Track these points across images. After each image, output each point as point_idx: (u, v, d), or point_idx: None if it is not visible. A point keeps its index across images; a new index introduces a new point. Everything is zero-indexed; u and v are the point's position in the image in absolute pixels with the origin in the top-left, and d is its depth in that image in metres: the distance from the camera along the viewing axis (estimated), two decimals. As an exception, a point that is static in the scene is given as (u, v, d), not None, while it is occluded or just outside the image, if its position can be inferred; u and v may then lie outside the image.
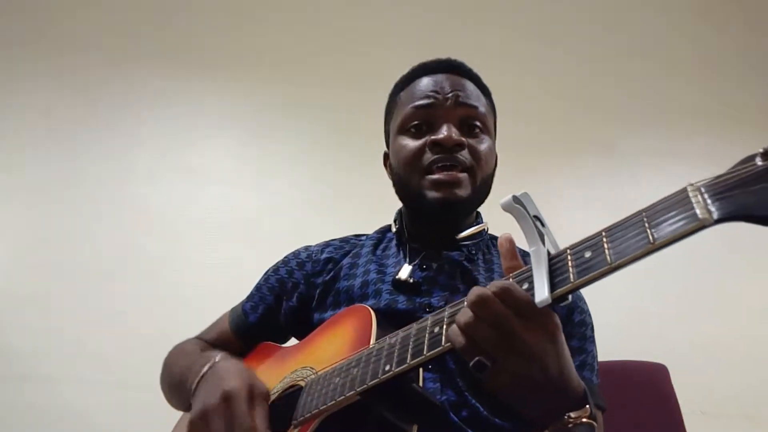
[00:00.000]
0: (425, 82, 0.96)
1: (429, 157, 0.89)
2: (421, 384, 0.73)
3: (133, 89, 2.34)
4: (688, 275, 2.30)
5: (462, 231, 0.94)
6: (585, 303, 0.93)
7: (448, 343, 0.59)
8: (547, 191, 2.29)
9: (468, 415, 0.78)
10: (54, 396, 1.89)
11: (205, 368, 0.79)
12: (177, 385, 0.90)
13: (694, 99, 2.55)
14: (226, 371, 0.75)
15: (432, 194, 0.88)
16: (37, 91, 2.28)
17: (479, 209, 1.01)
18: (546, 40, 2.63)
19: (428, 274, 0.90)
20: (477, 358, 0.54)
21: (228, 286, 1.95)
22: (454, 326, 0.57)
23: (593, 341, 0.88)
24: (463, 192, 0.88)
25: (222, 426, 0.68)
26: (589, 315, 0.91)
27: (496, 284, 0.55)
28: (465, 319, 0.56)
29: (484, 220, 1.00)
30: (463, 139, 0.89)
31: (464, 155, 0.89)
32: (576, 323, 0.87)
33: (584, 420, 0.57)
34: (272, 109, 2.38)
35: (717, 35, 2.72)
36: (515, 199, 0.57)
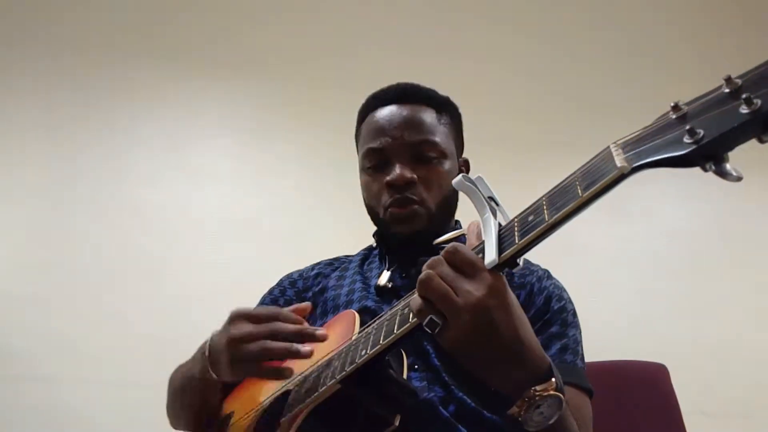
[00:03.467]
0: (377, 118, 1.01)
1: (386, 197, 0.97)
2: (405, 378, 0.75)
3: (132, 89, 2.34)
4: (688, 275, 2.30)
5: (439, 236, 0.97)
6: (566, 293, 0.95)
7: (415, 318, 0.62)
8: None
9: (456, 410, 0.81)
10: (54, 396, 1.89)
11: (207, 340, 0.82)
12: (181, 388, 0.91)
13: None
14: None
15: (394, 229, 0.97)
16: (37, 90, 2.28)
17: (459, 218, 1.06)
18: (545, 39, 2.63)
19: (407, 281, 0.95)
20: (429, 316, 0.58)
21: (228, 285, 1.96)
22: (415, 295, 0.60)
23: (575, 326, 0.90)
24: (419, 225, 0.95)
25: (247, 327, 0.73)
26: (570, 302, 0.93)
27: (447, 246, 0.60)
28: (422, 276, 0.59)
29: (463, 226, 1.04)
30: (413, 176, 0.95)
31: (415, 192, 0.96)
32: (555, 310, 0.89)
33: (551, 392, 0.58)
34: (272, 109, 2.38)
35: (717, 34, 2.72)
36: (465, 177, 0.63)
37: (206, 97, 2.37)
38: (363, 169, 1.03)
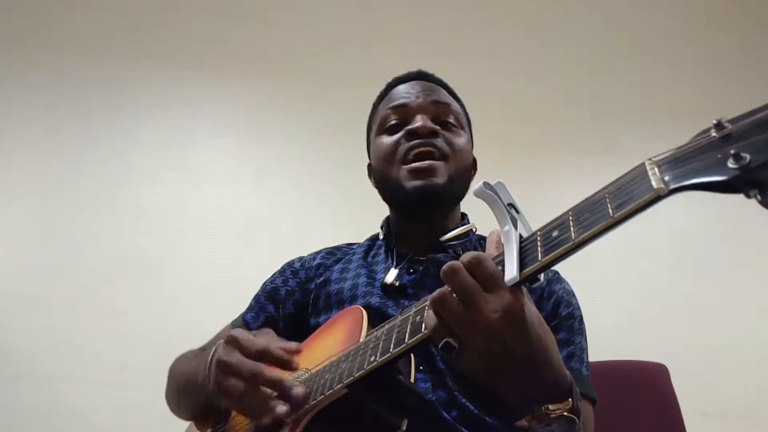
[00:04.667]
0: (399, 89, 1.02)
1: (405, 145, 0.94)
2: (413, 381, 0.74)
3: (133, 89, 2.34)
4: (688, 275, 2.30)
5: (447, 233, 0.96)
6: (575, 297, 0.94)
7: (427, 330, 0.59)
8: (547, 190, 2.29)
9: (458, 414, 0.80)
10: (54, 396, 1.89)
11: (213, 350, 0.80)
12: (185, 386, 0.91)
13: (695, 99, 2.54)
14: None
15: (410, 183, 0.91)
16: (37, 91, 2.28)
17: (466, 211, 1.04)
18: (546, 40, 2.63)
19: (415, 277, 0.92)
20: (445, 340, 0.55)
21: (228, 285, 1.96)
22: (430, 311, 0.58)
23: (581, 333, 0.89)
24: (440, 179, 0.91)
25: (235, 355, 0.70)
26: (578, 308, 0.92)
27: (469, 254, 0.56)
28: (436, 295, 0.56)
29: (471, 221, 1.02)
30: (436, 127, 0.94)
31: (440, 142, 0.93)
32: (563, 317, 0.88)
33: (565, 414, 0.56)
34: (272, 108, 2.38)
35: (719, 35, 2.72)
36: (486, 185, 0.59)
37: (206, 97, 2.37)
38: (379, 134, 1.00)
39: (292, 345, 0.74)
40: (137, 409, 1.76)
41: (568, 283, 0.96)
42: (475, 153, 1.08)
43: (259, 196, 2.25)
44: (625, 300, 2.23)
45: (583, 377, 0.84)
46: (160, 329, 1.94)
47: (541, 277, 0.55)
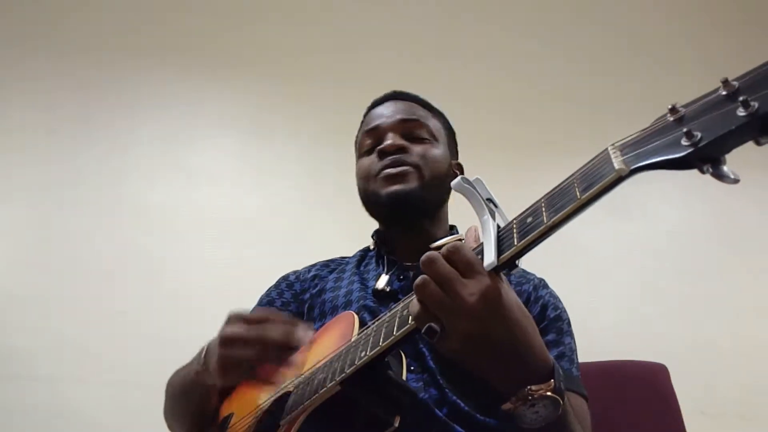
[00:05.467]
0: (373, 112, 1.09)
1: (378, 164, 1.00)
2: (404, 380, 0.75)
3: (132, 89, 2.34)
4: (688, 275, 2.30)
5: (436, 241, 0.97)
6: (561, 302, 0.96)
7: (413, 321, 0.61)
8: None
9: (449, 411, 0.82)
10: (54, 396, 1.88)
11: (204, 348, 0.82)
12: (181, 390, 0.92)
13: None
14: None
15: (384, 191, 0.98)
16: (37, 91, 2.28)
17: (455, 224, 1.07)
18: (544, 40, 2.63)
19: (405, 283, 0.95)
20: (428, 324, 0.57)
21: (228, 285, 1.96)
22: (413, 299, 0.60)
23: (570, 335, 0.91)
24: (411, 184, 0.97)
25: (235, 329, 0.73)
26: (565, 312, 0.94)
27: (447, 245, 0.59)
28: (418, 281, 0.58)
29: (459, 232, 1.06)
30: (404, 143, 0.99)
31: (409, 157, 0.99)
32: (552, 319, 0.91)
33: (548, 394, 0.58)
34: (272, 109, 2.38)
35: (717, 34, 2.72)
36: (464, 179, 0.63)
37: (206, 97, 2.37)
38: (359, 156, 1.08)
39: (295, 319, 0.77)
40: (137, 409, 1.76)
41: (554, 290, 0.98)
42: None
43: (259, 196, 2.25)
44: (625, 300, 2.23)
45: (575, 377, 0.85)
46: (160, 329, 1.94)
47: (519, 262, 0.58)
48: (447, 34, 2.57)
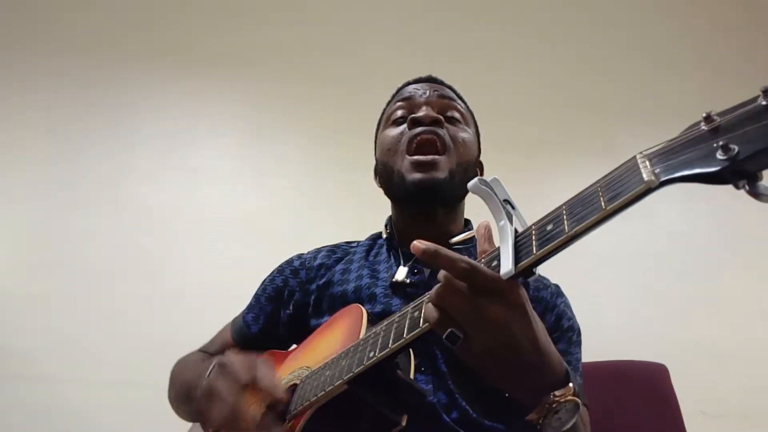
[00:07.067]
0: (408, 87, 1.04)
1: (409, 134, 0.94)
2: (412, 379, 0.74)
3: (133, 89, 2.34)
4: (687, 276, 2.30)
5: (453, 236, 0.96)
6: (572, 311, 0.96)
7: (426, 324, 0.60)
8: (547, 190, 2.29)
9: (458, 417, 0.80)
10: (54, 396, 1.89)
11: (210, 370, 0.80)
12: (184, 396, 0.92)
13: (693, 98, 2.54)
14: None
15: (411, 176, 0.91)
16: (37, 91, 2.28)
17: (469, 217, 1.04)
18: (545, 39, 2.63)
19: (421, 278, 0.92)
20: (450, 330, 0.55)
21: (228, 285, 1.95)
22: (429, 304, 0.58)
23: (579, 346, 0.92)
24: (441, 174, 0.91)
25: (225, 385, 0.72)
26: (576, 322, 0.94)
27: (465, 266, 0.56)
28: (437, 294, 0.57)
29: (474, 227, 1.02)
30: (440, 116, 0.95)
31: (443, 132, 0.94)
32: (564, 329, 0.91)
33: (569, 398, 0.57)
34: (272, 109, 2.38)
35: (717, 34, 2.72)
36: (481, 180, 0.60)
37: (206, 97, 2.37)
38: (386, 127, 1.02)
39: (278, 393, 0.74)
40: (138, 409, 1.76)
41: (567, 298, 0.98)
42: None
43: (259, 196, 2.25)
44: (625, 300, 2.23)
45: (579, 386, 0.85)
46: (160, 329, 1.94)
47: (536, 271, 0.56)
48: (447, 34, 2.57)
